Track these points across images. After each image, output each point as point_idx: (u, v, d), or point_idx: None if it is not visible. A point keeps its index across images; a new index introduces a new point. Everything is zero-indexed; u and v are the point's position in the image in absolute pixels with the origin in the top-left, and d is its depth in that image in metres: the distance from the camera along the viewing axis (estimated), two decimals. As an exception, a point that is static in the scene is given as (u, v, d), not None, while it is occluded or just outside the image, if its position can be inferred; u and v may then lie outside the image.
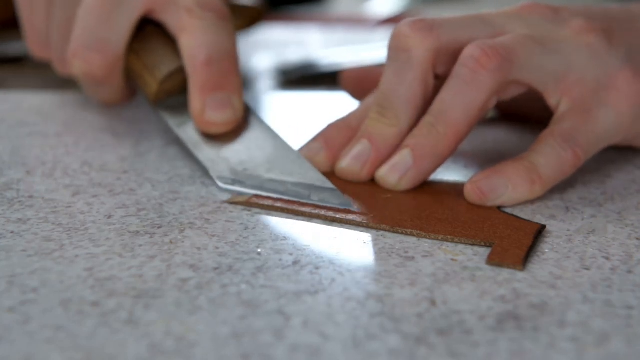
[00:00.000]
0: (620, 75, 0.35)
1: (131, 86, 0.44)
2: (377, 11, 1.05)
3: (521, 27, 0.35)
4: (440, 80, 0.35)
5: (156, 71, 0.40)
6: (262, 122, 0.38)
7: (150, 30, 0.41)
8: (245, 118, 0.38)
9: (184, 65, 0.39)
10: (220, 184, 0.35)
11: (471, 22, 0.36)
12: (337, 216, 0.32)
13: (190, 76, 0.38)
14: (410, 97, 0.35)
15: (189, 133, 0.38)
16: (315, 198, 0.33)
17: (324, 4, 1.09)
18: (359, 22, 0.91)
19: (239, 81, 0.39)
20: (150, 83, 0.40)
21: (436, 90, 0.35)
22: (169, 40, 0.41)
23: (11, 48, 0.66)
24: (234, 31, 0.40)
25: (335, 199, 0.33)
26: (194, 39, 0.38)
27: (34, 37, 0.45)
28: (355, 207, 0.32)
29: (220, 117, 0.37)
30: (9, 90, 0.55)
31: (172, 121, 0.39)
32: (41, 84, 0.58)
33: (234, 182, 0.34)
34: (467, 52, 0.34)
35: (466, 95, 0.33)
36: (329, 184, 0.33)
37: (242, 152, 0.36)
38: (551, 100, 0.35)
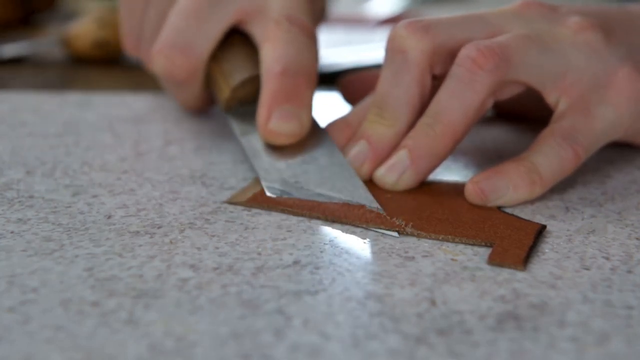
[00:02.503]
0: (620, 72, 0.35)
1: (211, 93, 0.43)
2: (377, 11, 1.04)
3: (518, 26, 0.35)
4: (438, 80, 0.36)
5: (230, 78, 0.40)
6: (327, 139, 0.37)
7: (236, 40, 0.41)
8: (311, 134, 0.37)
9: (261, 74, 0.38)
10: (269, 194, 0.34)
11: (468, 22, 0.36)
12: (337, 215, 0.32)
13: (264, 85, 0.38)
14: (407, 98, 0.35)
15: (251, 141, 0.38)
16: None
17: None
18: (359, 22, 0.91)
19: (311, 97, 0.38)
20: (224, 89, 0.40)
21: (434, 90, 0.35)
22: (252, 50, 0.41)
23: (11, 48, 0.66)
24: (317, 50, 0.40)
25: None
26: (275, 49, 0.38)
27: (129, 35, 0.46)
28: (395, 233, 0.31)
29: (284, 128, 0.36)
30: (9, 90, 0.55)
31: (238, 128, 0.39)
32: (41, 84, 0.58)
33: (282, 193, 0.34)
34: (464, 52, 0.34)
35: (463, 95, 0.33)
36: (375, 204, 0.32)
37: (298, 165, 0.36)
38: (550, 99, 0.35)
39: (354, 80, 0.46)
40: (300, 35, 0.39)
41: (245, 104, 0.40)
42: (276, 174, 0.35)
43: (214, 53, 0.41)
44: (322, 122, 0.38)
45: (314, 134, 0.37)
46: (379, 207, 0.32)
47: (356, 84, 0.45)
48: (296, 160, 0.36)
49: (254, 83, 0.40)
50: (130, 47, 0.47)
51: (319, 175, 0.35)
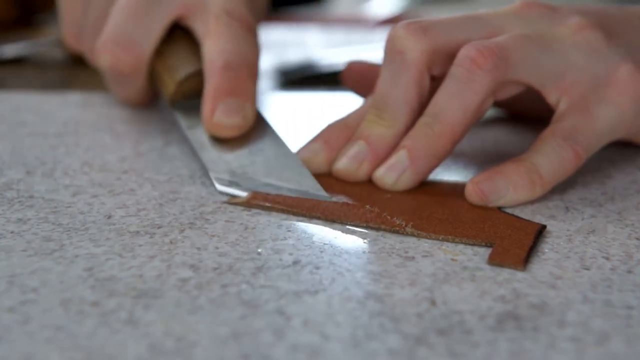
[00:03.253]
0: (620, 71, 0.35)
1: (154, 88, 0.45)
2: (377, 11, 1.05)
3: (518, 26, 0.35)
4: (436, 81, 0.35)
5: (175, 72, 0.41)
6: (272, 130, 0.38)
7: (178, 35, 0.42)
8: (256, 125, 0.39)
9: (203, 68, 0.39)
10: (217, 185, 0.35)
11: (467, 23, 0.36)
12: (337, 215, 0.32)
13: (207, 80, 0.39)
14: (406, 98, 0.35)
15: (197, 134, 0.39)
16: None
17: (324, 4, 1.09)
18: (359, 22, 0.91)
19: (254, 90, 0.39)
20: (168, 83, 0.41)
21: (433, 91, 0.35)
22: (194, 45, 0.42)
23: (11, 48, 0.66)
24: (257, 43, 0.41)
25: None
26: (216, 44, 0.39)
27: (70, 28, 0.47)
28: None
29: (229, 121, 0.37)
30: (9, 90, 0.55)
31: (184, 122, 0.40)
32: (41, 84, 0.58)
33: (230, 183, 0.34)
34: (463, 52, 0.34)
35: (462, 95, 0.33)
36: (322, 192, 0.33)
37: (245, 156, 0.37)
38: (550, 99, 0.35)
39: (357, 68, 0.45)
40: (240, 29, 0.40)
41: (190, 98, 0.41)
42: (224, 165, 0.36)
43: (157, 48, 0.42)
44: (266, 114, 0.40)
45: (259, 126, 0.39)
46: (327, 195, 0.33)
47: (360, 72, 0.45)
48: (243, 151, 0.37)
49: (198, 77, 0.41)
50: (71, 40, 0.48)
51: (266, 166, 0.36)
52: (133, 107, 0.48)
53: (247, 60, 0.39)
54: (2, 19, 0.78)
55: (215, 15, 0.40)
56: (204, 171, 0.37)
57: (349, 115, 0.38)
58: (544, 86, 0.35)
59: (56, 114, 0.48)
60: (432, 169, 0.34)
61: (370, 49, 0.65)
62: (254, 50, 0.40)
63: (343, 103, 0.48)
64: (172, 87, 0.41)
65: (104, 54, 0.41)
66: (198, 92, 0.41)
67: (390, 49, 0.35)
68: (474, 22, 0.36)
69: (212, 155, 0.37)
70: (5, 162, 0.39)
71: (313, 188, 0.34)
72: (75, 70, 0.63)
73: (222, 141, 0.38)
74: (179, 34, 0.42)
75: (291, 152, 0.36)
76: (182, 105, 0.41)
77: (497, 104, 0.46)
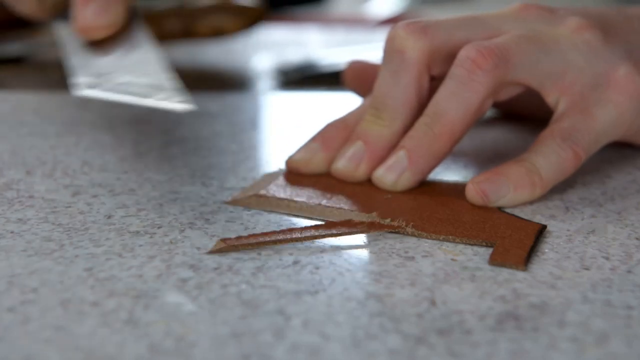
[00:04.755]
0: (619, 71, 0.35)
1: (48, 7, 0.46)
2: (377, 11, 1.04)
3: (517, 27, 0.35)
4: (436, 81, 0.36)
5: None
6: (144, 35, 0.39)
7: None
8: (132, 33, 0.40)
9: None
10: (79, 91, 0.35)
11: (467, 23, 0.36)
12: (338, 217, 0.32)
13: None
14: (404, 98, 0.35)
15: (70, 42, 0.40)
16: (159, 96, 0.33)
17: (324, 4, 1.09)
18: (359, 22, 0.91)
19: None
20: None
21: (433, 91, 0.35)
22: None
23: (11, 48, 0.66)
24: None
25: (179, 97, 0.33)
26: None
27: None
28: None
29: (97, 20, 0.39)
30: (9, 90, 0.55)
31: (62, 32, 0.42)
32: (41, 84, 0.58)
33: (92, 85, 0.35)
34: (463, 52, 0.34)
35: (462, 95, 0.33)
36: (176, 85, 0.34)
37: (113, 60, 0.38)
38: (550, 99, 0.35)
39: (358, 68, 0.45)
40: None
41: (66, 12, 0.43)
42: (91, 69, 0.37)
43: None
44: (137, 18, 0.41)
45: (132, 31, 0.40)
46: (180, 87, 0.34)
47: (361, 72, 0.45)
48: (113, 55, 0.38)
49: None
50: None
51: (129, 66, 0.36)
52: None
53: None
54: (2, 19, 0.78)
55: None
56: (203, 171, 0.37)
57: (348, 115, 0.38)
58: (543, 86, 0.35)
59: (56, 114, 0.48)
60: (431, 169, 0.34)
61: (370, 49, 0.65)
62: None
63: (343, 103, 0.48)
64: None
65: None
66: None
67: (390, 49, 0.35)
68: (474, 22, 0.36)
69: (81, 60, 0.38)
70: (5, 162, 0.39)
71: (167, 81, 0.34)
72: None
73: (96, 47, 0.39)
74: None
75: (155, 52, 0.37)
76: (61, 19, 0.43)
77: (497, 105, 0.46)
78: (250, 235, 0.30)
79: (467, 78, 0.33)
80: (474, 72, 0.33)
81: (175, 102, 0.32)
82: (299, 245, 0.29)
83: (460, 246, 0.30)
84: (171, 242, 0.30)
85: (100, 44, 0.39)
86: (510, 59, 0.34)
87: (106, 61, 0.37)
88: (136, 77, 0.35)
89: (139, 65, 0.36)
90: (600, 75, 0.35)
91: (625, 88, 0.35)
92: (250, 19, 0.59)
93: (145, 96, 0.34)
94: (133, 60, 0.37)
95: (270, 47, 0.75)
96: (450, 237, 0.30)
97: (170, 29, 0.58)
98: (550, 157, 0.33)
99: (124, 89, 0.34)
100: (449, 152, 0.34)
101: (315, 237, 0.30)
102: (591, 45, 0.35)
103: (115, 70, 0.36)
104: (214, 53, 0.69)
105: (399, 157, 0.34)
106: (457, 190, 0.34)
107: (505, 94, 0.35)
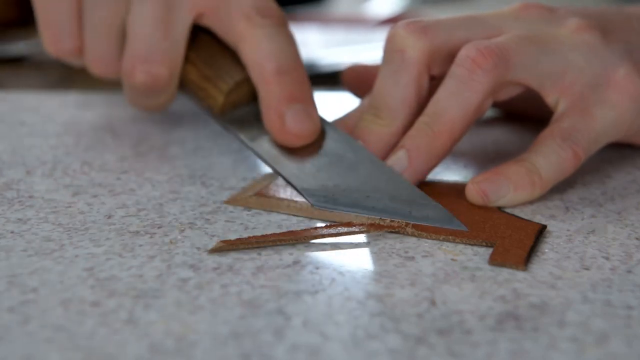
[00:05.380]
0: (619, 72, 0.35)
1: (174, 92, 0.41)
2: (377, 11, 1.04)
3: (517, 27, 0.35)
4: (436, 81, 0.36)
5: (221, 83, 0.38)
6: (337, 132, 0.36)
7: (201, 37, 0.40)
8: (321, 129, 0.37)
9: (251, 76, 0.37)
10: (313, 202, 0.32)
11: (467, 23, 0.36)
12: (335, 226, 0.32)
13: (262, 88, 0.36)
14: (404, 97, 0.35)
15: (264, 147, 0.36)
16: (417, 214, 0.31)
17: (324, 4, 1.09)
18: (359, 22, 0.91)
19: (311, 90, 0.37)
20: (215, 95, 0.38)
21: (432, 90, 0.35)
22: (224, 47, 0.39)
23: (11, 48, 0.66)
24: (294, 37, 0.38)
25: (438, 215, 0.31)
26: (258, 48, 0.36)
27: (51, 32, 0.41)
28: (457, 223, 0.31)
29: (301, 129, 0.35)
30: (9, 90, 0.55)
31: (244, 135, 0.37)
32: (41, 84, 0.58)
33: (326, 199, 0.32)
34: (463, 52, 0.34)
35: (462, 95, 0.33)
36: (431, 200, 0.32)
37: (327, 166, 0.34)
38: (549, 100, 0.35)
39: (357, 70, 0.45)
40: (275, 26, 0.37)
41: (238, 107, 0.38)
42: (310, 179, 0.34)
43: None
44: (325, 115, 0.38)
45: (323, 129, 0.37)
46: (436, 202, 0.32)
47: (360, 74, 0.45)
48: (323, 160, 0.35)
49: (243, 85, 0.38)
50: (53, 46, 0.41)
51: (354, 176, 0.33)
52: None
53: (296, 60, 0.37)
54: (2, 19, 0.78)
55: (245, 15, 0.37)
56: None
57: (348, 114, 0.38)
58: (543, 86, 0.35)
59: (56, 114, 0.48)
60: (431, 168, 0.34)
61: (370, 49, 0.65)
62: (296, 46, 0.38)
63: (343, 103, 0.48)
64: (221, 98, 0.38)
65: (139, 73, 0.38)
66: (244, 100, 0.38)
67: (390, 48, 0.35)
68: (474, 22, 0.36)
69: (291, 168, 0.35)
70: (5, 162, 0.39)
71: (419, 196, 0.32)
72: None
73: (293, 151, 0.36)
74: (203, 35, 0.39)
75: (373, 157, 0.34)
76: (233, 117, 0.38)
77: (497, 105, 0.46)
78: (250, 237, 0.30)
79: (467, 77, 0.33)
80: (474, 71, 0.33)
81: (438, 221, 0.30)
82: (299, 245, 0.29)
83: (460, 246, 0.30)
84: (171, 242, 0.30)
85: (296, 149, 0.36)
86: (510, 58, 0.34)
87: (317, 168, 0.34)
88: (376, 191, 0.32)
89: (367, 175, 0.33)
90: (600, 76, 0.35)
91: (625, 88, 0.35)
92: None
93: (403, 215, 0.31)
94: (351, 168, 0.33)
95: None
96: (450, 237, 0.30)
97: None
98: (550, 157, 0.33)
99: (373, 205, 0.31)
100: (449, 152, 0.34)
101: (315, 237, 0.30)
102: (591, 45, 0.35)
103: (339, 181, 0.33)
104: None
105: (398, 157, 0.34)
106: (457, 190, 0.34)
107: (505, 94, 0.35)
